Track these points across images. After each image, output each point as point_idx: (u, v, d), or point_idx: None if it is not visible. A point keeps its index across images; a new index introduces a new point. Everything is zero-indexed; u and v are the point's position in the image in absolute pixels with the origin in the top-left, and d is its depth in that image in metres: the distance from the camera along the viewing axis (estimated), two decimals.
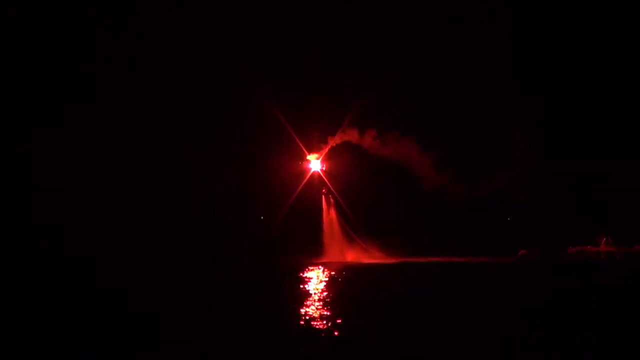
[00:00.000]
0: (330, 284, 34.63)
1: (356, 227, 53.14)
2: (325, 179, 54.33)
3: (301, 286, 33.65)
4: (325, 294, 30.27)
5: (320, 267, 45.25)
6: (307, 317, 23.82)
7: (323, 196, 54.18)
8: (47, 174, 47.91)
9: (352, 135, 53.71)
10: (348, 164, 54.22)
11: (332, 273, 41.02)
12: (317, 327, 22.25)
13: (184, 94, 50.93)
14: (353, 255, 51.80)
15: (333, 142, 53.93)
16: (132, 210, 48.97)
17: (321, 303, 27.04)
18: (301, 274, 40.03)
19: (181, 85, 50.49)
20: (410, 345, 19.82)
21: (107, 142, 49.44)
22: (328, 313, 24.55)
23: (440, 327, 22.42)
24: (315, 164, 54.26)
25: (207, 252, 48.35)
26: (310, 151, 53.99)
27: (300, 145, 53.04)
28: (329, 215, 53.80)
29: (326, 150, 53.98)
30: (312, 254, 50.88)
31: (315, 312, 24.81)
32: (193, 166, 51.73)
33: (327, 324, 22.60)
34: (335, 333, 21.25)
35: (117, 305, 28.08)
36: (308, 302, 27.18)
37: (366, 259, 50.85)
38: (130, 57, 49.98)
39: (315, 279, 37.29)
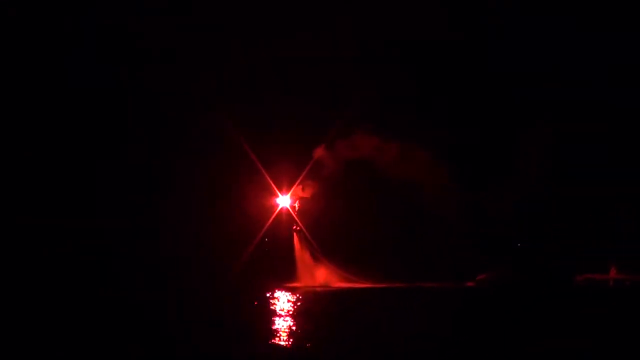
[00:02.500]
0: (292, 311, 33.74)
1: (329, 253, 51.20)
2: (294, 215, 52.11)
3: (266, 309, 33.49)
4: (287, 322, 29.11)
5: (286, 291, 44.97)
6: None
7: (295, 233, 52.20)
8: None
9: (366, 146, 50.23)
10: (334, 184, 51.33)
11: (298, 297, 40.86)
12: None
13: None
14: (323, 279, 50.92)
15: (345, 152, 50.30)
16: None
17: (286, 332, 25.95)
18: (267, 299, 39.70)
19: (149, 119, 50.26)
20: None
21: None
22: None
23: None
24: (284, 200, 51.98)
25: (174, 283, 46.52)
26: (283, 187, 51.78)
27: (272, 184, 51.12)
28: (300, 245, 52.00)
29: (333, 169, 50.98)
30: (284, 279, 49.84)
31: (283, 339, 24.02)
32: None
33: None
34: None
35: None
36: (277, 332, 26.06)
37: (336, 284, 50.22)
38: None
39: (279, 303, 36.90)
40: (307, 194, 52.00)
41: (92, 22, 49.42)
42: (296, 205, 52.47)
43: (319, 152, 51.34)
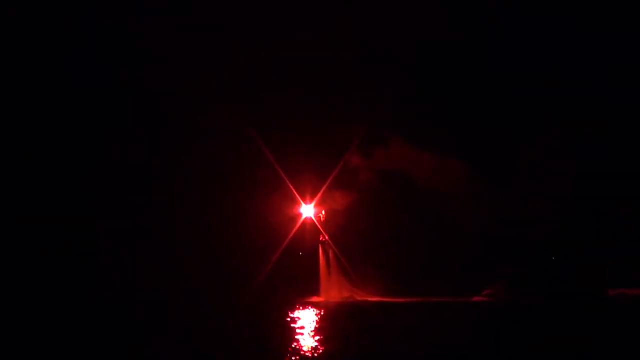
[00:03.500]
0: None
1: (355, 266, 50.58)
2: (319, 225, 51.46)
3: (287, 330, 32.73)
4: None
5: (309, 306, 44.65)
6: None
7: (320, 245, 51.51)
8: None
9: (399, 156, 49.96)
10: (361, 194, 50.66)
11: (320, 311, 40.43)
12: None
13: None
14: (348, 293, 50.39)
15: (378, 161, 50.07)
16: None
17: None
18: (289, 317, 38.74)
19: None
20: None
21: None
22: None
23: None
24: (307, 209, 51.38)
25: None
26: (306, 197, 51.10)
27: (295, 193, 50.54)
28: (326, 256, 51.28)
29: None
30: (307, 292, 49.53)
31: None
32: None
33: None
34: None
35: None
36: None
37: (361, 297, 49.69)
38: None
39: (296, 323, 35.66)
40: (339, 204, 51.20)
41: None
42: (322, 215, 51.76)
43: (351, 161, 50.93)
